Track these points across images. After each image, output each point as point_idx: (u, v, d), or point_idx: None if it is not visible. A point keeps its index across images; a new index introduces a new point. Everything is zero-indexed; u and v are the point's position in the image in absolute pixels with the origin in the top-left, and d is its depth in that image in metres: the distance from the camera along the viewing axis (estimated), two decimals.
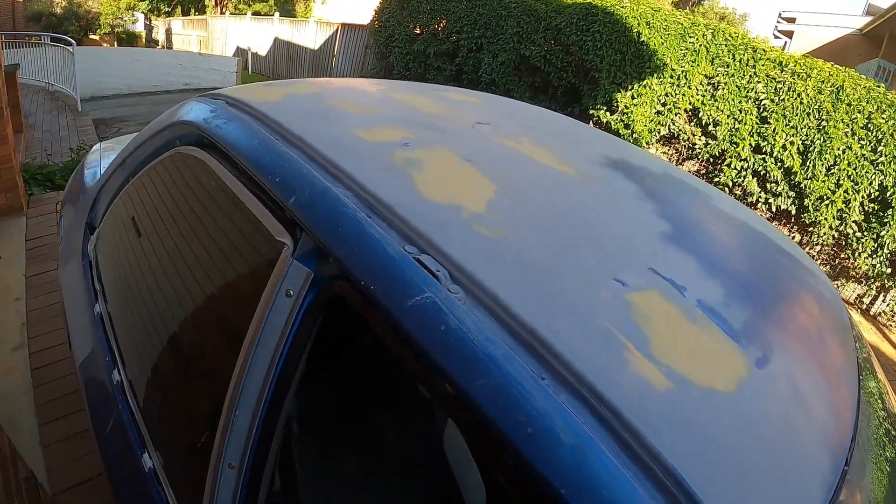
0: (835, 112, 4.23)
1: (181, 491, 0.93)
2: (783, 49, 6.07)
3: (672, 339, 0.67)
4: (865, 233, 4.27)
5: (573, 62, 5.41)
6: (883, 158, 4.10)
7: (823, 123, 4.27)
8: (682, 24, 4.86)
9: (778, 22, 14.28)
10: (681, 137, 5.03)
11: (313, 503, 1.08)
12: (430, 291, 0.63)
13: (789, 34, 13.55)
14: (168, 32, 19.31)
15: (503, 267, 0.69)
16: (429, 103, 1.27)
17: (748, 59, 4.59)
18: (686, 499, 0.49)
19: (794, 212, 4.55)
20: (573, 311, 0.66)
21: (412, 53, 6.74)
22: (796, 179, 4.41)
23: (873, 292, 4.59)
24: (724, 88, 4.67)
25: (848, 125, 4.19)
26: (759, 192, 4.64)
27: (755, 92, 4.54)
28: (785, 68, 4.46)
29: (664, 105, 4.95)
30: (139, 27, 20.30)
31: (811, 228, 4.51)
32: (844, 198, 4.25)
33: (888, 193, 4.10)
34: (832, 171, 4.27)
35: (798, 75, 4.39)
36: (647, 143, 5.08)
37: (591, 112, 5.25)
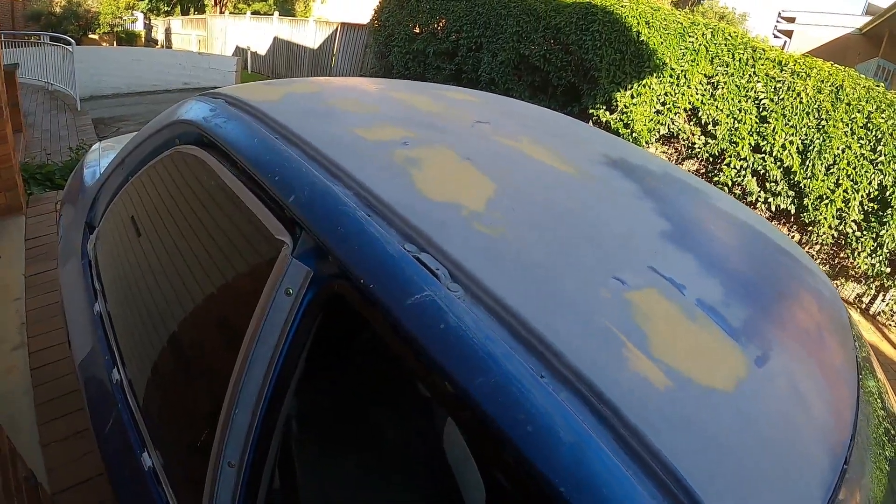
0: (834, 111, 4.23)
1: (181, 490, 0.93)
2: (783, 48, 6.06)
3: (671, 337, 0.67)
4: (865, 232, 4.27)
5: (573, 61, 5.41)
6: (882, 158, 4.10)
7: (823, 123, 4.27)
8: (681, 23, 4.85)
9: (777, 21, 14.30)
10: (680, 137, 5.02)
11: (313, 502, 1.08)
12: (429, 290, 0.63)
13: (789, 34, 13.57)
14: (167, 32, 19.28)
15: (502, 265, 0.69)
16: (428, 102, 1.27)
17: (748, 59, 4.59)
18: (686, 497, 0.49)
19: (793, 211, 4.55)
20: (573, 309, 0.66)
21: (411, 53, 6.74)
22: (796, 179, 4.41)
23: (872, 291, 4.59)
24: (723, 88, 4.66)
25: (847, 125, 4.19)
26: (759, 192, 4.64)
27: (755, 91, 4.54)
28: (784, 68, 4.45)
29: (664, 104, 4.95)
30: (138, 26, 20.27)
31: (810, 228, 4.51)
32: (844, 197, 4.25)
33: (887, 193, 4.11)
34: (831, 170, 4.27)
35: (797, 75, 4.38)
36: (646, 143, 5.07)
37: (591, 111, 5.25)
